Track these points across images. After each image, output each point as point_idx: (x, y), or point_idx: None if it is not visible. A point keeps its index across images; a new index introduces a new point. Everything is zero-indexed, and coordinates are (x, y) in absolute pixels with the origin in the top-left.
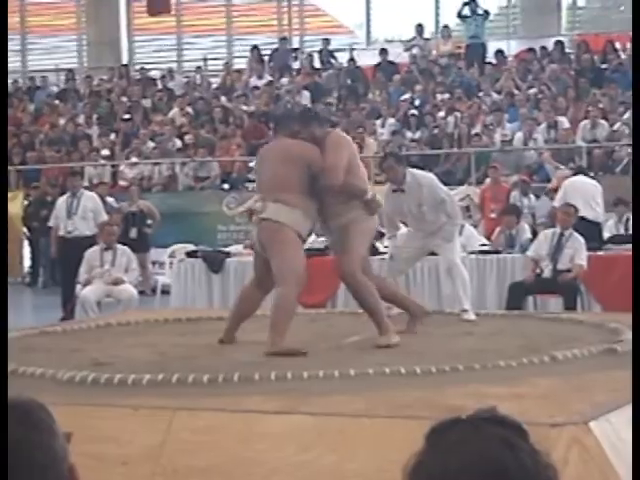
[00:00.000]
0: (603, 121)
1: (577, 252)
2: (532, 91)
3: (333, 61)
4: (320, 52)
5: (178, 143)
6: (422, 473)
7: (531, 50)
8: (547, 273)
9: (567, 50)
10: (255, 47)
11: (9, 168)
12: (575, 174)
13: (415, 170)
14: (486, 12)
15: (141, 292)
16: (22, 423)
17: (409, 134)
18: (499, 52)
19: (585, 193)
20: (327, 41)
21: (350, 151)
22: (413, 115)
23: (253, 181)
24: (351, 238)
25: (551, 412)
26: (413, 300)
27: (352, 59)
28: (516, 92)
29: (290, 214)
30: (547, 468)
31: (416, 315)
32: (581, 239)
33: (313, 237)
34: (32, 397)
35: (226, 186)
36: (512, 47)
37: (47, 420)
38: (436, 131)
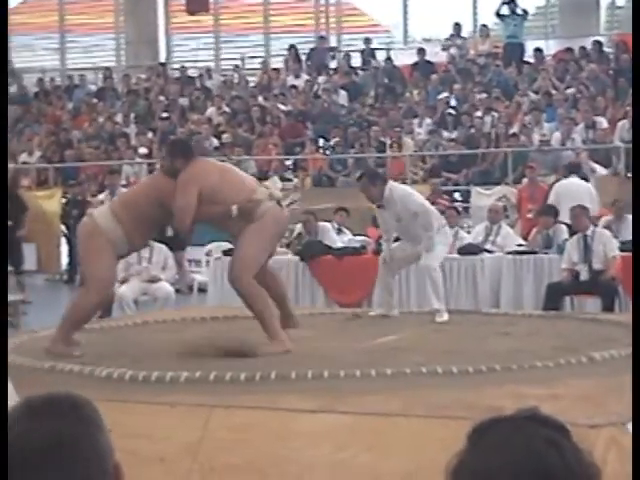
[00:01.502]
0: None
1: (606, 246)
2: (570, 91)
3: (371, 60)
4: (362, 52)
5: (215, 142)
6: (465, 472)
7: (569, 50)
8: (584, 275)
9: (605, 50)
10: (292, 46)
11: (47, 166)
12: (566, 176)
13: (394, 184)
14: (525, 11)
15: (177, 290)
16: (68, 416)
17: (446, 134)
18: (538, 51)
19: (576, 196)
20: (368, 40)
21: (206, 182)
22: (450, 114)
23: (290, 180)
24: (239, 245)
25: (589, 413)
26: (290, 310)
27: (389, 58)
28: (554, 92)
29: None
30: (590, 467)
31: (286, 324)
32: (607, 232)
33: (349, 237)
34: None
35: None
36: (550, 47)
37: (93, 415)
38: (473, 131)
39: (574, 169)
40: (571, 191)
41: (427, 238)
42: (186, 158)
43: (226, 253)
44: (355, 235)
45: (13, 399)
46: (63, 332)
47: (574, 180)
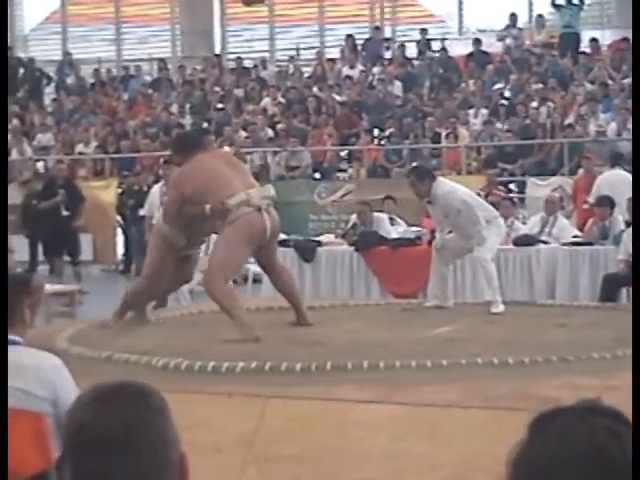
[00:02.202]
0: None
1: None
2: (626, 81)
3: (426, 50)
4: (418, 42)
5: (270, 132)
6: (527, 462)
7: (625, 39)
8: None
9: None
10: (350, 36)
11: (103, 156)
12: (611, 167)
13: (442, 180)
14: (581, 1)
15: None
16: (135, 404)
17: (501, 124)
18: (593, 41)
19: (615, 187)
20: (425, 31)
21: (189, 186)
22: (502, 105)
23: (345, 171)
24: (212, 251)
25: None
26: (302, 308)
27: (444, 49)
28: (610, 82)
29: None
30: None
31: (300, 321)
32: None
33: (404, 227)
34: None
35: (317, 175)
36: (606, 37)
37: (161, 405)
38: (528, 121)
39: (617, 160)
40: (611, 182)
41: (476, 232)
42: (183, 154)
43: (281, 244)
44: (410, 226)
45: (71, 389)
46: (119, 311)
47: (617, 171)
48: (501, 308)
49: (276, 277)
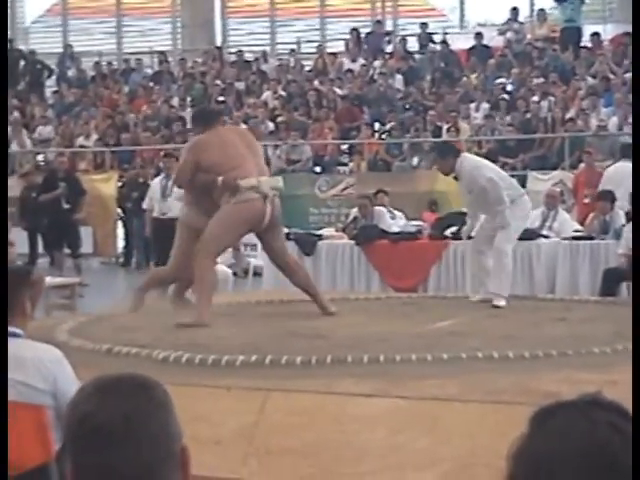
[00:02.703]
0: None
1: None
2: (628, 75)
3: (428, 44)
4: (419, 36)
5: (271, 126)
6: (528, 457)
7: (627, 34)
8: None
9: None
10: (355, 29)
11: (104, 149)
12: (619, 160)
13: (467, 156)
14: None
15: (234, 274)
16: (137, 396)
17: (502, 118)
18: (595, 35)
19: (624, 180)
20: (425, 25)
21: (204, 155)
22: (503, 99)
23: (345, 164)
24: (212, 222)
25: None
26: (321, 299)
27: (445, 42)
28: (611, 76)
29: None
30: None
31: (323, 312)
32: None
33: (404, 222)
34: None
35: (318, 169)
36: (608, 31)
37: (163, 397)
38: (529, 115)
39: (627, 152)
40: (618, 174)
41: (499, 213)
42: (204, 125)
43: (268, 252)
44: (410, 220)
45: (71, 382)
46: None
47: (625, 164)
48: (503, 303)
49: (290, 273)
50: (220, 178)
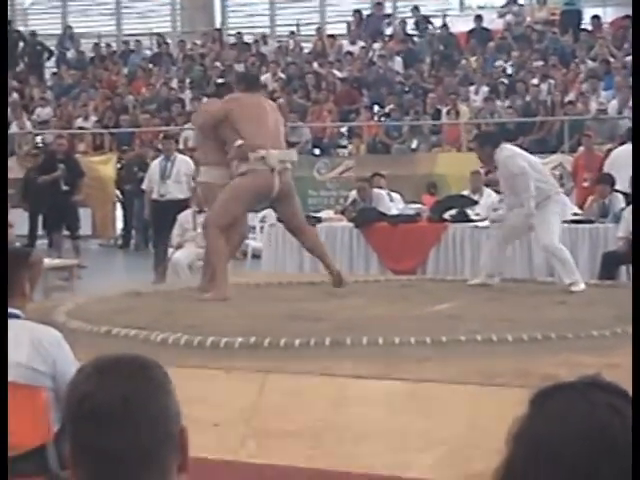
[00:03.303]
0: None
1: None
2: (628, 59)
3: (427, 27)
4: (415, 19)
5: None
6: (527, 438)
7: (627, 17)
8: None
9: None
10: (357, 11)
11: (103, 131)
12: (622, 143)
13: (506, 146)
14: None
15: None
16: (136, 377)
17: (502, 101)
18: (595, 18)
19: (630, 163)
20: (417, 8)
21: (238, 111)
22: (502, 83)
23: (345, 147)
24: (222, 193)
25: None
26: (330, 265)
27: (445, 25)
28: (612, 60)
29: None
30: None
31: (334, 281)
32: None
33: (402, 204)
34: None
35: (317, 151)
36: (608, 14)
37: (162, 378)
38: (529, 98)
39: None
40: (622, 157)
41: (525, 200)
42: (244, 89)
43: (280, 219)
44: (409, 202)
45: (71, 363)
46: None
47: (630, 147)
48: (582, 286)
49: (299, 234)
50: (238, 142)
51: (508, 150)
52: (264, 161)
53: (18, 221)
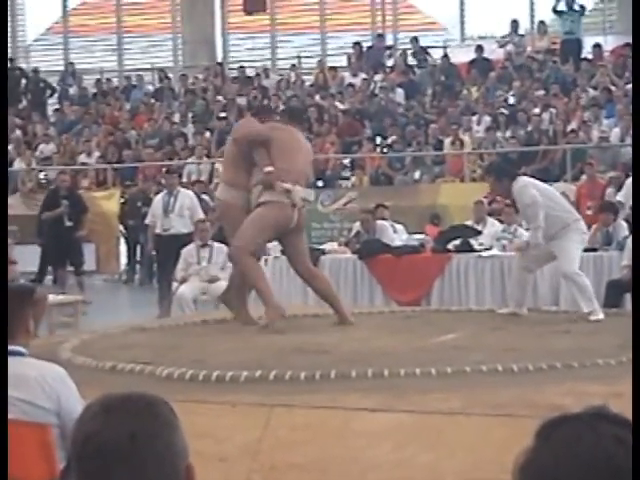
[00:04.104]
0: None
1: None
2: (629, 87)
3: (427, 58)
4: (414, 51)
5: None
6: (534, 470)
7: (627, 45)
8: None
9: None
10: (357, 43)
11: (106, 166)
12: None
13: (522, 178)
14: (582, 7)
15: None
16: (143, 414)
17: (503, 132)
18: (597, 46)
19: None
20: (416, 39)
21: (277, 141)
22: (502, 114)
23: (347, 178)
24: (247, 222)
25: None
26: (340, 308)
27: (446, 56)
28: (613, 88)
29: None
30: None
31: (341, 320)
32: None
33: (406, 235)
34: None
35: (320, 183)
36: (608, 43)
37: (170, 416)
38: (531, 128)
39: None
40: None
41: (532, 230)
42: (288, 120)
43: (284, 252)
44: (412, 233)
45: (75, 400)
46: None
47: None
48: (601, 316)
49: (309, 279)
50: (268, 169)
51: (522, 181)
52: (288, 195)
53: (27, 258)
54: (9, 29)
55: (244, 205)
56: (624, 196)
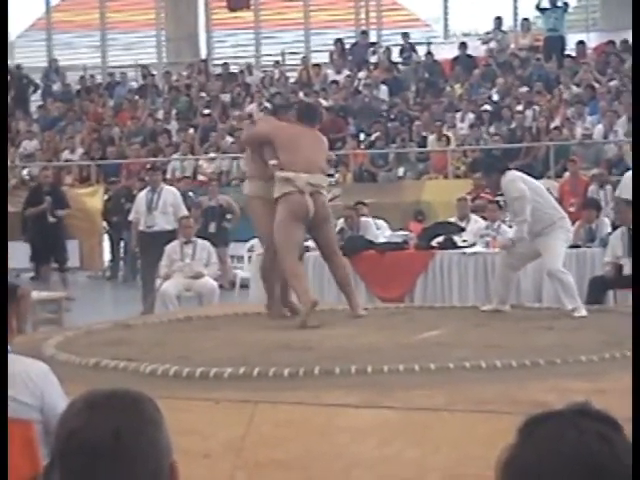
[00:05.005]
0: None
1: None
2: (613, 84)
3: (412, 55)
4: (402, 47)
5: None
6: (516, 467)
7: (611, 43)
8: (627, 269)
9: None
10: (339, 40)
11: (89, 163)
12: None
13: (510, 172)
14: (565, 4)
15: (220, 286)
16: (128, 412)
17: (487, 128)
18: (580, 43)
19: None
20: (406, 35)
21: (279, 138)
22: (486, 111)
23: (331, 175)
24: (274, 228)
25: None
26: (352, 299)
27: (430, 53)
28: (596, 85)
29: None
30: None
31: (351, 310)
32: None
33: (389, 232)
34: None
35: None
36: (591, 40)
37: (154, 413)
38: (514, 125)
39: None
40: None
41: (518, 223)
42: (297, 119)
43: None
44: (396, 230)
45: (59, 396)
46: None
47: None
48: (584, 313)
49: (332, 268)
50: (272, 162)
51: (512, 175)
52: (291, 183)
53: (11, 254)
54: None
55: (265, 194)
56: (622, 188)
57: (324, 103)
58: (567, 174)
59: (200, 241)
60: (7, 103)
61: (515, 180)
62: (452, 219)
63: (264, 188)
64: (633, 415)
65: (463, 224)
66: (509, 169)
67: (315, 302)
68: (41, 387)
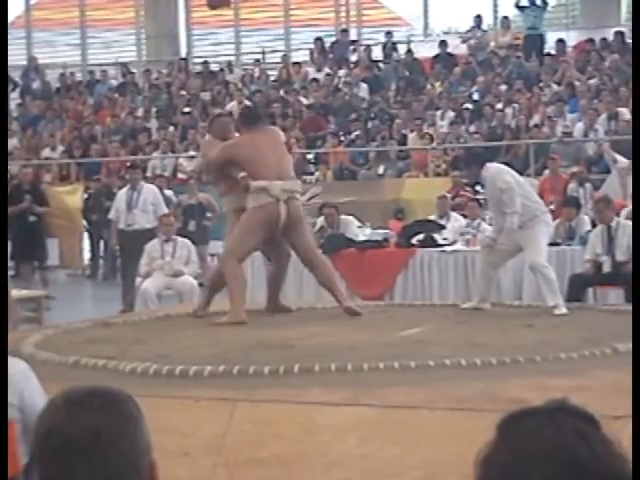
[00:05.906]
0: None
1: (630, 237)
2: (593, 82)
3: (392, 53)
4: (384, 45)
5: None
6: (495, 463)
7: (590, 41)
8: (607, 267)
9: (628, 40)
10: (319, 38)
11: (69, 161)
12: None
13: (491, 164)
14: (545, 3)
15: (200, 284)
16: (107, 410)
17: (468, 126)
18: (560, 41)
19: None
20: (390, 34)
21: (236, 152)
22: (467, 109)
23: (312, 173)
24: (235, 228)
25: (614, 404)
26: (339, 296)
27: (410, 51)
28: (577, 83)
29: None
30: (619, 458)
31: (340, 306)
32: (630, 223)
33: (370, 230)
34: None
35: None
36: (571, 38)
37: (134, 411)
38: (494, 123)
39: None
40: None
41: (509, 215)
42: (244, 126)
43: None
44: (376, 228)
45: (39, 395)
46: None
47: None
48: (564, 310)
49: (313, 268)
50: (243, 174)
51: (495, 167)
52: (267, 192)
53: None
54: None
55: (244, 205)
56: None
57: (304, 101)
58: (547, 172)
59: (180, 239)
60: (7, 103)
61: (502, 172)
62: (432, 217)
63: (241, 200)
64: (633, 415)
65: (443, 222)
66: (488, 161)
67: (243, 323)
68: (21, 386)
